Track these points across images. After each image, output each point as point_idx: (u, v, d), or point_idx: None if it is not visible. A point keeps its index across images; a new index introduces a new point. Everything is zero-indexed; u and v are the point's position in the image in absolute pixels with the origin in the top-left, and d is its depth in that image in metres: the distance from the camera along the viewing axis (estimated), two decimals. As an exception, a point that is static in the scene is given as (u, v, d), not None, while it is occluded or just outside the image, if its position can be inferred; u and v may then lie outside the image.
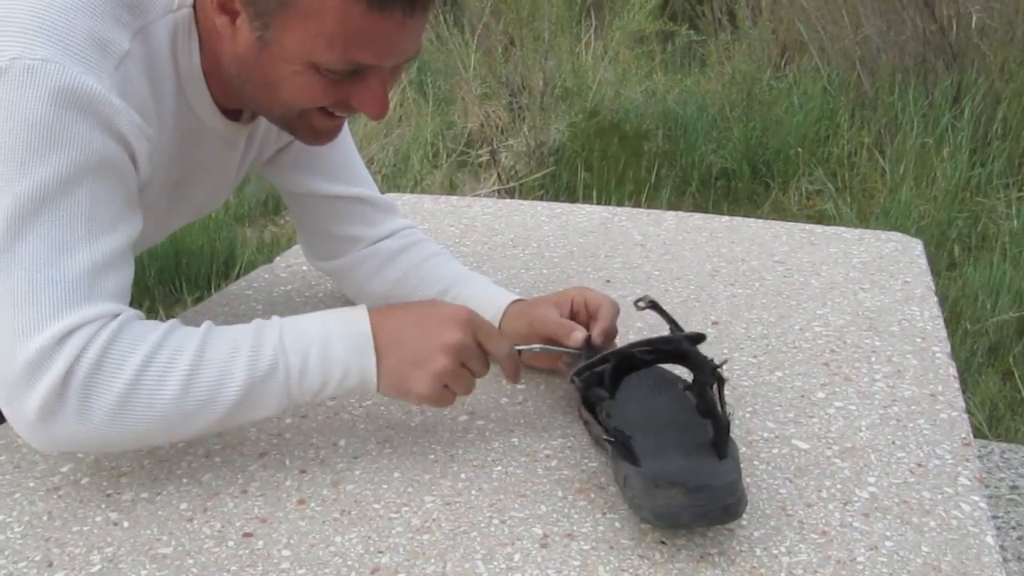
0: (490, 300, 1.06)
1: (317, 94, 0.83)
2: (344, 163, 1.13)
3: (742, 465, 0.88)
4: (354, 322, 0.84)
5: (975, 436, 0.98)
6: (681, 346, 0.89)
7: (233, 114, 0.95)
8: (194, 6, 0.86)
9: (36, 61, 0.74)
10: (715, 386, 0.85)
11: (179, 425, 0.79)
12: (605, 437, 0.81)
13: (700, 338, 0.90)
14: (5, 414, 0.77)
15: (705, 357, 0.87)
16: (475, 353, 0.86)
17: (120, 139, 0.80)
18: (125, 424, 0.76)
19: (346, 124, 1.02)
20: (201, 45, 0.87)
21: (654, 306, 0.96)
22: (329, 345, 0.82)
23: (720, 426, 0.81)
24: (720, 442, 0.80)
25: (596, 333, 0.95)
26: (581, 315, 0.99)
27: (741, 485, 0.76)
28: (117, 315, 0.78)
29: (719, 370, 0.85)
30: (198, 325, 0.82)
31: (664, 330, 0.97)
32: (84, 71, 0.76)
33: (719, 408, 0.83)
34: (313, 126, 0.89)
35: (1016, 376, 2.60)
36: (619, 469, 0.79)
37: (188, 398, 0.77)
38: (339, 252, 1.15)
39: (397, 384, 0.84)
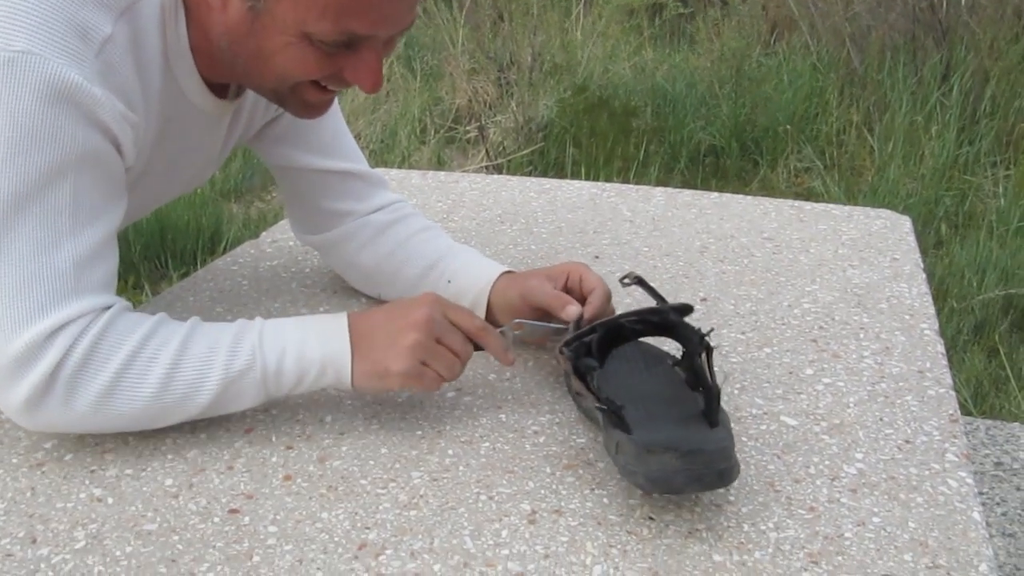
0: (479, 272, 1.05)
1: (311, 66, 0.82)
2: (334, 137, 1.12)
3: (730, 441, 0.88)
4: (332, 321, 0.87)
5: (961, 413, 0.98)
6: (668, 317, 0.89)
7: (219, 90, 0.94)
8: None
9: (15, 54, 0.73)
10: (704, 356, 0.84)
11: (159, 416, 0.83)
12: (597, 405, 0.80)
13: (687, 309, 0.90)
14: None
15: (692, 327, 0.86)
16: (447, 328, 0.86)
17: (103, 130, 0.79)
18: (107, 414, 0.80)
19: (335, 98, 1.01)
20: (190, 20, 0.86)
21: (640, 282, 0.96)
22: (306, 343, 0.85)
23: (711, 395, 0.81)
24: (711, 411, 0.80)
25: (587, 314, 0.94)
26: (575, 293, 0.98)
27: (734, 451, 0.76)
28: (107, 307, 0.81)
29: (706, 339, 0.85)
30: (184, 302, 0.82)
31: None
32: (65, 62, 0.75)
33: (709, 377, 0.83)
34: (305, 100, 0.88)
35: (1001, 353, 2.62)
36: (611, 437, 0.79)
37: (167, 394, 0.81)
38: (328, 226, 1.14)
39: (374, 369, 0.85)
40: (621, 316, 0.91)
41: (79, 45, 0.76)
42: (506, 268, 1.05)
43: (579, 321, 0.94)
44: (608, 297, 0.98)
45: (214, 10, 0.82)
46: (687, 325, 0.87)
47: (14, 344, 0.76)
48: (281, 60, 0.81)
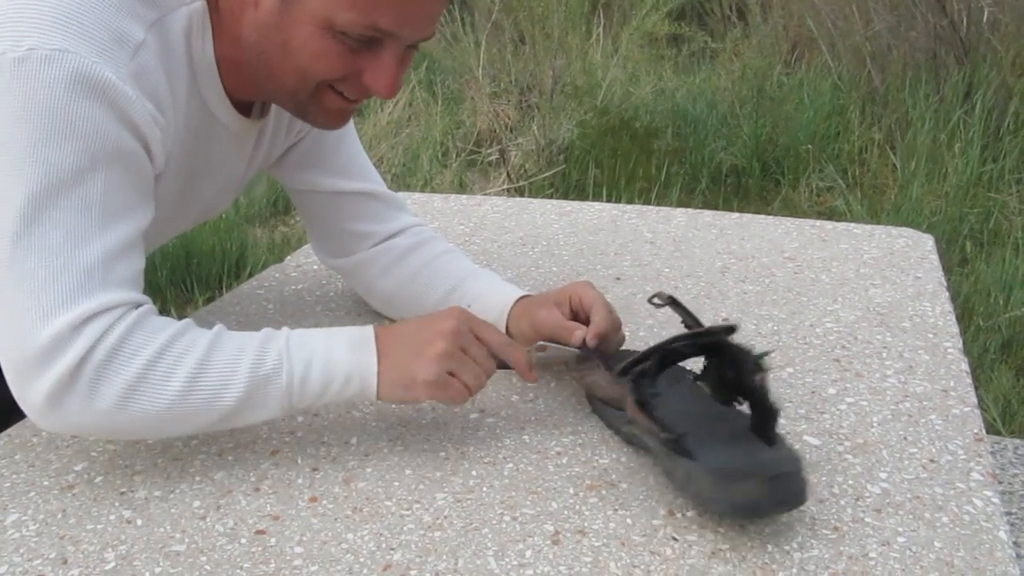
0: (498, 297, 1.06)
1: (332, 61, 0.83)
2: (351, 159, 1.14)
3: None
4: (359, 332, 0.87)
5: (988, 432, 0.97)
6: (720, 338, 0.87)
7: (244, 110, 0.96)
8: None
9: (52, 51, 0.75)
10: (761, 377, 0.84)
11: (180, 420, 0.81)
12: (664, 435, 0.80)
13: (733, 329, 0.89)
14: (13, 394, 0.78)
15: (745, 349, 0.85)
16: (473, 340, 0.87)
17: (134, 130, 0.80)
18: (128, 414, 0.78)
19: (351, 122, 1.02)
20: (218, 31, 0.88)
21: (672, 302, 0.94)
22: (332, 351, 0.84)
23: (770, 415, 0.81)
24: (769, 430, 0.80)
25: (590, 336, 0.95)
26: (581, 314, 0.99)
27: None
28: (137, 305, 0.80)
29: (762, 361, 0.84)
30: (210, 325, 0.83)
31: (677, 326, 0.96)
32: (100, 60, 0.77)
33: (768, 397, 0.82)
34: (325, 107, 0.89)
35: (1029, 372, 2.59)
36: (677, 466, 0.79)
37: (192, 395, 0.79)
38: (349, 249, 1.16)
39: (400, 378, 0.84)
40: (673, 340, 0.89)
41: (115, 48, 0.78)
42: (524, 292, 1.06)
43: (584, 343, 0.95)
44: (609, 309, 0.98)
45: (247, 7, 0.84)
46: (739, 347, 0.86)
47: (42, 334, 0.75)
48: (304, 54, 0.83)
